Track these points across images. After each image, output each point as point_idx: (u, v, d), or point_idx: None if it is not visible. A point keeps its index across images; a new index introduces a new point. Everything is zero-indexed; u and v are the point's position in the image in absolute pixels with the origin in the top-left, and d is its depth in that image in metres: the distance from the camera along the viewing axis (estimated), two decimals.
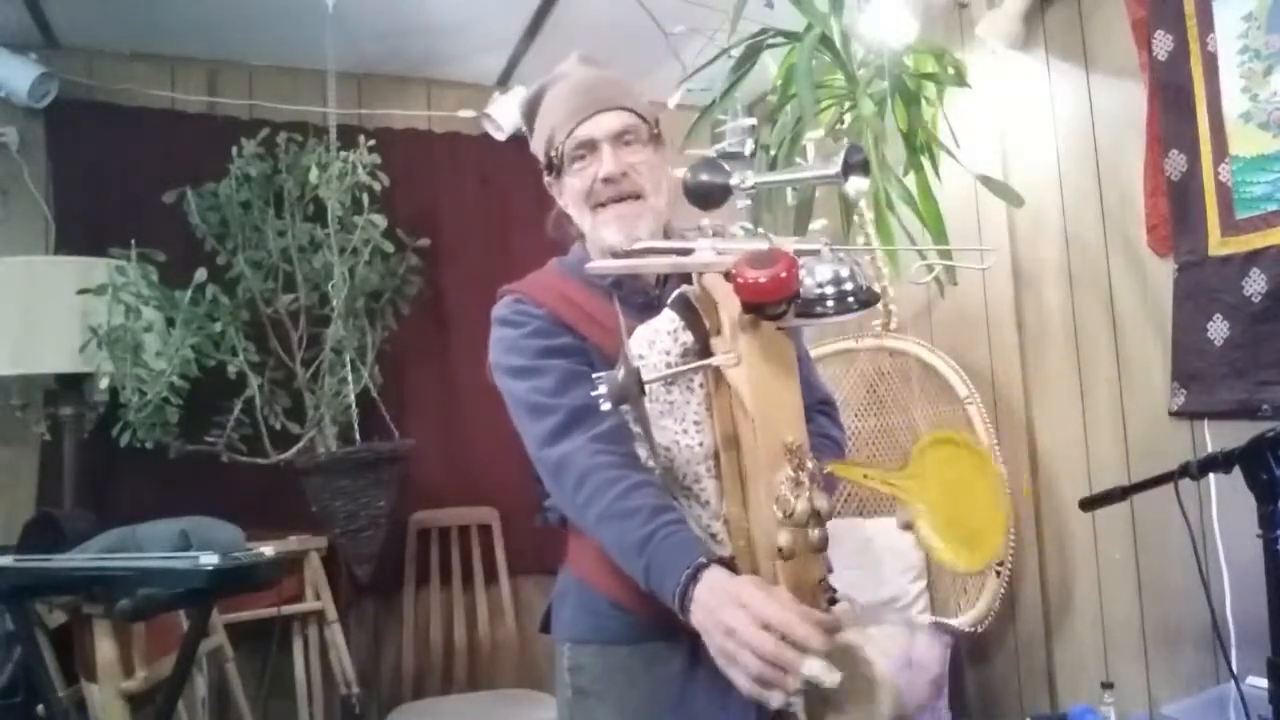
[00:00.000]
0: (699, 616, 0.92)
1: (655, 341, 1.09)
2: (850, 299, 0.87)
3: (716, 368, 0.98)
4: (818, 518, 0.84)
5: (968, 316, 2.53)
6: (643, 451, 1.12)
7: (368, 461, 2.53)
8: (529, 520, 3.08)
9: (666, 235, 1.26)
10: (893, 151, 2.15)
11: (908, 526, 0.91)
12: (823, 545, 0.86)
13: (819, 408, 1.30)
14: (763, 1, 2.11)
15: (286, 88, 2.93)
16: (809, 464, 0.84)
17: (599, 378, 0.97)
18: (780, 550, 0.84)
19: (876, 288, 0.87)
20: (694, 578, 0.93)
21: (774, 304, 0.87)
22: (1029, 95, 2.36)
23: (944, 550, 0.88)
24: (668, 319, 1.09)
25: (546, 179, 1.30)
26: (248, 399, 2.57)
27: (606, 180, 1.21)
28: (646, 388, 0.95)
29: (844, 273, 0.87)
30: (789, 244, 0.94)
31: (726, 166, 1.02)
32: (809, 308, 0.87)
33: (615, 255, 1.17)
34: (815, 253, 0.91)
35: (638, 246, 1.14)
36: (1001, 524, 0.92)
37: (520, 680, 2.91)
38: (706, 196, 1.03)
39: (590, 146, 1.22)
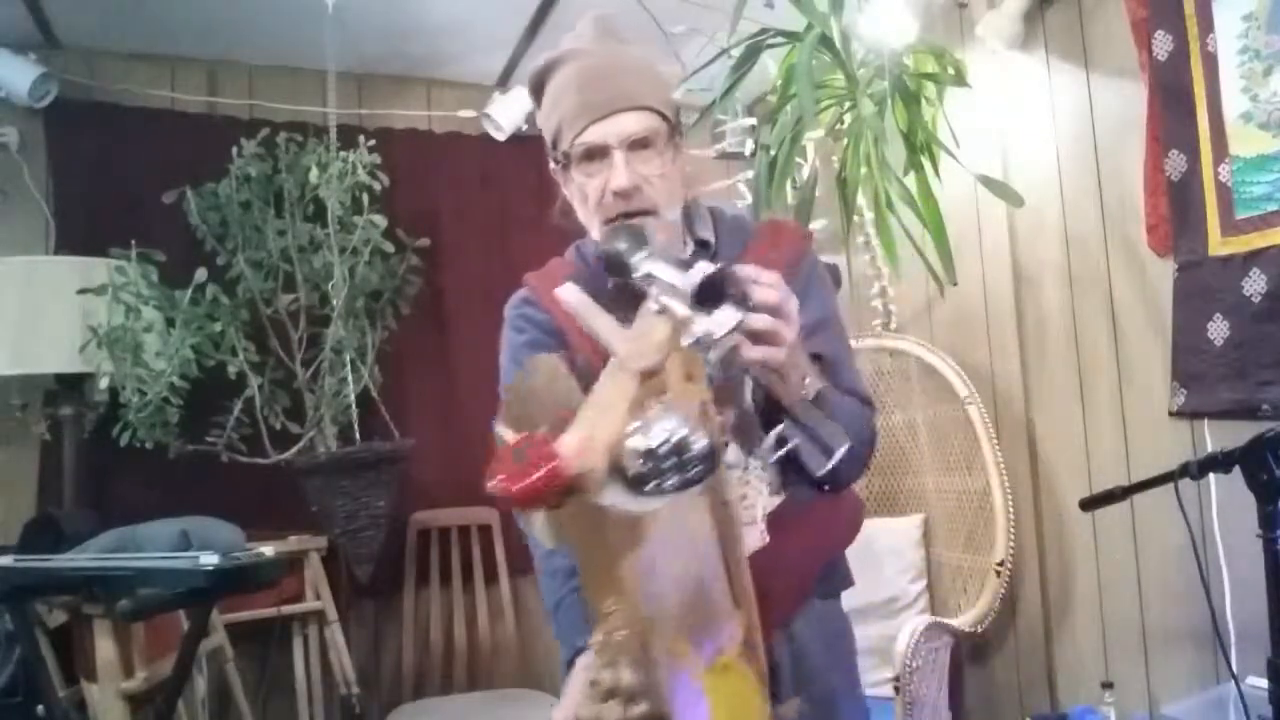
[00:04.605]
0: None
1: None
2: (694, 468, 0.70)
3: None
4: (627, 696, 0.73)
5: (968, 316, 2.53)
6: None
7: (368, 461, 2.53)
8: None
9: (688, 214, 1.21)
10: (893, 151, 2.15)
11: None
12: None
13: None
14: (763, 1, 2.11)
15: (286, 88, 2.94)
16: (619, 635, 0.74)
17: None
18: None
19: (716, 444, 0.72)
20: (571, 662, 1.02)
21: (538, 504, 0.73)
22: (1029, 95, 2.36)
23: None
24: None
25: (552, 167, 1.20)
26: (248, 399, 2.57)
27: (617, 194, 1.10)
28: None
29: (683, 431, 0.70)
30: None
31: (639, 249, 0.91)
32: (639, 484, 0.70)
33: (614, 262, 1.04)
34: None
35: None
36: None
37: (520, 680, 2.91)
38: (612, 267, 0.96)
39: (602, 152, 1.10)
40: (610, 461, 0.68)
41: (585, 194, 1.13)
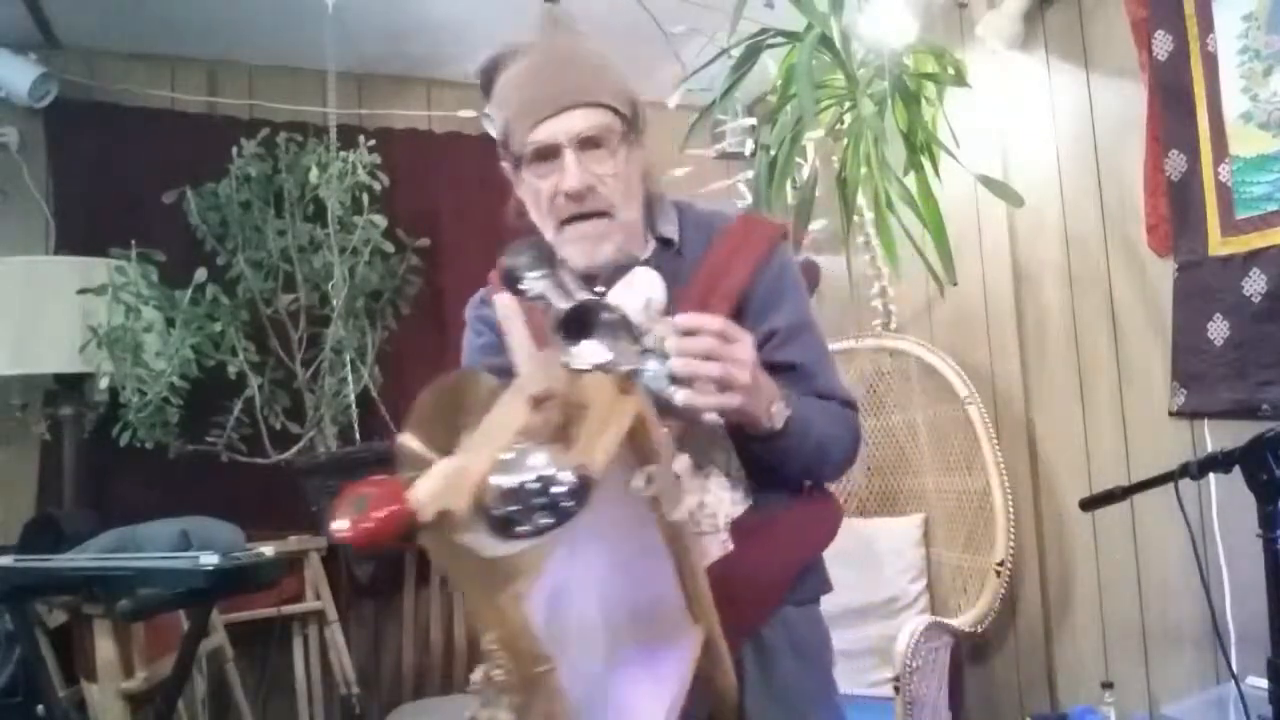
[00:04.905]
0: None
1: None
2: (561, 506, 0.65)
3: None
4: None
5: (968, 316, 2.53)
6: None
7: (368, 461, 2.52)
8: None
9: (650, 212, 1.18)
10: (893, 151, 2.15)
11: None
12: None
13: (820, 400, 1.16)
14: (763, 1, 2.11)
15: (286, 88, 2.93)
16: (498, 674, 0.71)
17: None
18: None
19: (584, 476, 0.66)
20: None
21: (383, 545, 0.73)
22: (1029, 95, 2.36)
23: None
24: None
25: (504, 165, 1.14)
26: (248, 399, 2.57)
27: (569, 196, 1.06)
28: None
29: (549, 469, 0.65)
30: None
31: (537, 268, 0.85)
32: (500, 527, 0.65)
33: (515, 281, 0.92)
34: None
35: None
36: None
37: None
38: (508, 282, 0.91)
39: (553, 152, 1.06)
40: (474, 500, 0.64)
41: (538, 195, 1.09)
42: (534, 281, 0.83)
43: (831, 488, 1.28)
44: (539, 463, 0.64)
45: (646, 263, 1.11)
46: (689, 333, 0.92)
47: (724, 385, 0.93)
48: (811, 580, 1.19)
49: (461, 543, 0.64)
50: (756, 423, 1.01)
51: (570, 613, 0.80)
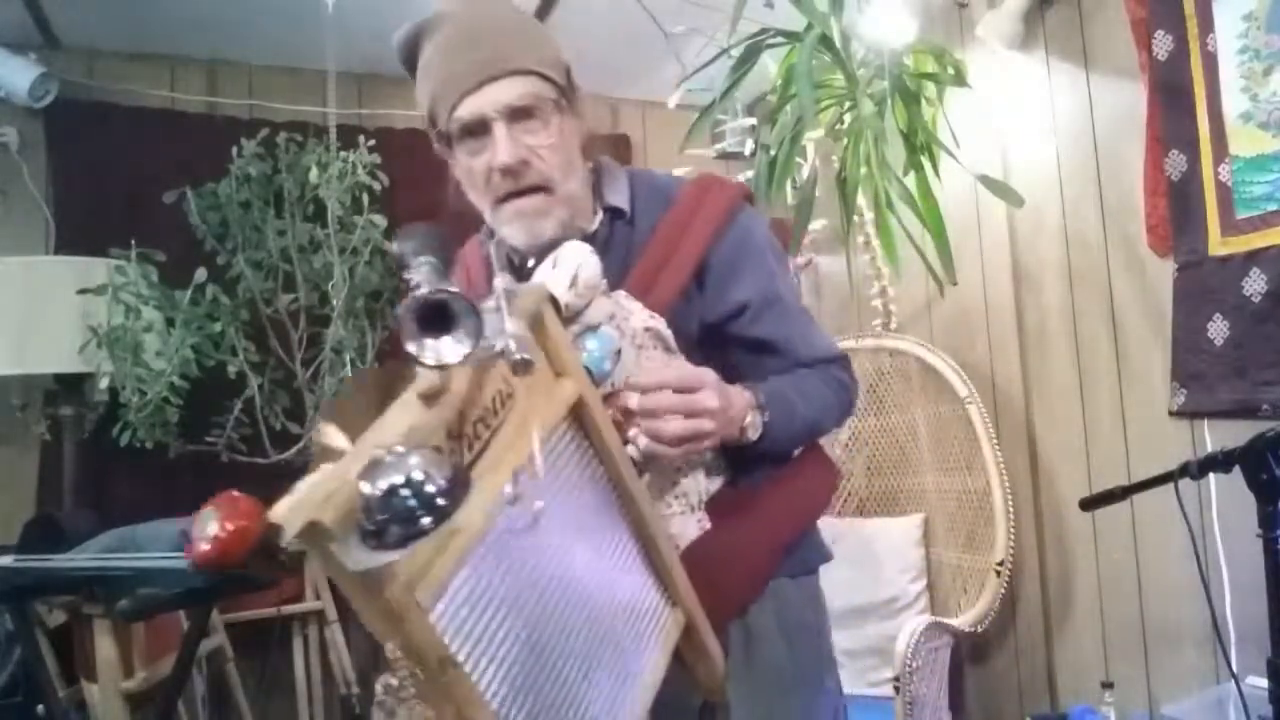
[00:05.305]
0: None
1: None
2: (432, 511, 0.62)
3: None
4: None
5: (968, 316, 2.53)
6: None
7: None
8: None
9: (598, 180, 1.12)
10: (893, 151, 2.15)
11: None
12: None
13: (803, 371, 1.11)
14: (763, 1, 2.11)
15: (286, 88, 2.93)
16: (402, 686, 0.69)
17: None
18: None
19: (451, 491, 0.63)
20: None
21: (239, 564, 0.68)
22: (1029, 95, 2.36)
23: None
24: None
25: (436, 146, 1.09)
26: (248, 399, 2.57)
27: (503, 172, 1.00)
28: None
29: (417, 473, 0.62)
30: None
31: (422, 253, 0.80)
32: (366, 538, 0.62)
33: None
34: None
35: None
36: None
37: None
38: (398, 267, 0.87)
39: (481, 126, 0.99)
40: (343, 510, 0.62)
41: (471, 174, 1.03)
42: (417, 267, 0.79)
43: (829, 451, 1.23)
44: (411, 465, 0.62)
45: (594, 235, 1.08)
46: (647, 393, 0.91)
47: (689, 439, 0.92)
48: (806, 550, 1.14)
49: (332, 553, 0.62)
50: (734, 437, 0.99)
51: (536, 607, 0.78)
